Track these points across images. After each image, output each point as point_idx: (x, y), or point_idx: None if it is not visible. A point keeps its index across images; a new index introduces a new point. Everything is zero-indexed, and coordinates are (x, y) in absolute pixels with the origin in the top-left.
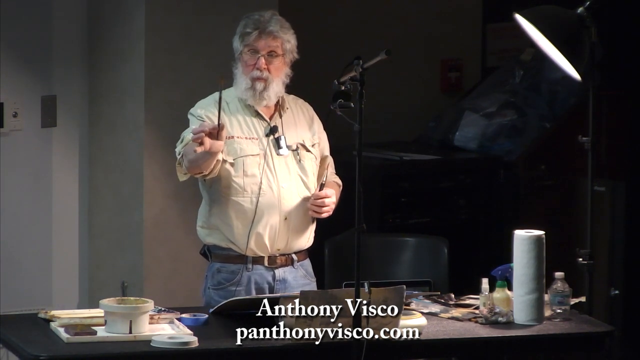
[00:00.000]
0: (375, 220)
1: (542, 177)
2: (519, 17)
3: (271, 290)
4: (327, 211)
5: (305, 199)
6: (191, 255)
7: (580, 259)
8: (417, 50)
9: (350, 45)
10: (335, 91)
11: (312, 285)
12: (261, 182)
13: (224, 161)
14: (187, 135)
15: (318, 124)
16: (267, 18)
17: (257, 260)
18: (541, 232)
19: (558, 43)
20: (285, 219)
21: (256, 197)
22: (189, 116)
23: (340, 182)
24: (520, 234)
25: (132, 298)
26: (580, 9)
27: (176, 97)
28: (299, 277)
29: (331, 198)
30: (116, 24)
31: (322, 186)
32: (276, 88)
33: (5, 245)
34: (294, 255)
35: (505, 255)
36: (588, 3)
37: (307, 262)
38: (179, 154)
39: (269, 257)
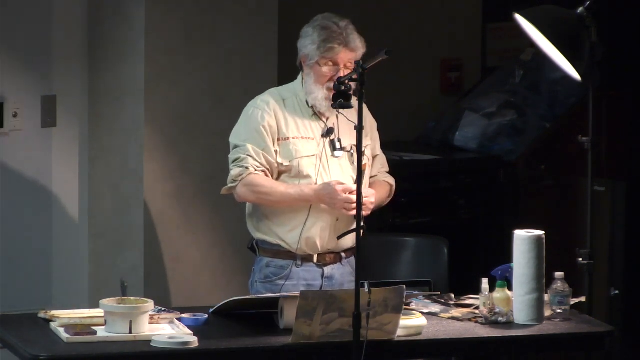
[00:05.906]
0: (375, 220)
1: (542, 177)
2: (519, 17)
3: (319, 288)
4: (365, 210)
5: None
6: (191, 255)
7: (580, 259)
8: (417, 50)
9: None
10: (335, 91)
11: None
12: (316, 184)
13: (279, 164)
14: (248, 149)
15: (372, 125)
16: (348, 32)
17: (307, 257)
18: (541, 232)
19: (558, 43)
20: (337, 220)
21: None
22: (257, 129)
23: (391, 181)
24: (520, 234)
25: (132, 298)
26: (580, 9)
27: (176, 97)
28: (346, 274)
29: (369, 198)
30: (116, 23)
31: None
32: None
33: (5, 245)
34: (342, 253)
35: (505, 255)
36: (588, 3)
37: (353, 259)
38: (236, 179)
39: (318, 255)
